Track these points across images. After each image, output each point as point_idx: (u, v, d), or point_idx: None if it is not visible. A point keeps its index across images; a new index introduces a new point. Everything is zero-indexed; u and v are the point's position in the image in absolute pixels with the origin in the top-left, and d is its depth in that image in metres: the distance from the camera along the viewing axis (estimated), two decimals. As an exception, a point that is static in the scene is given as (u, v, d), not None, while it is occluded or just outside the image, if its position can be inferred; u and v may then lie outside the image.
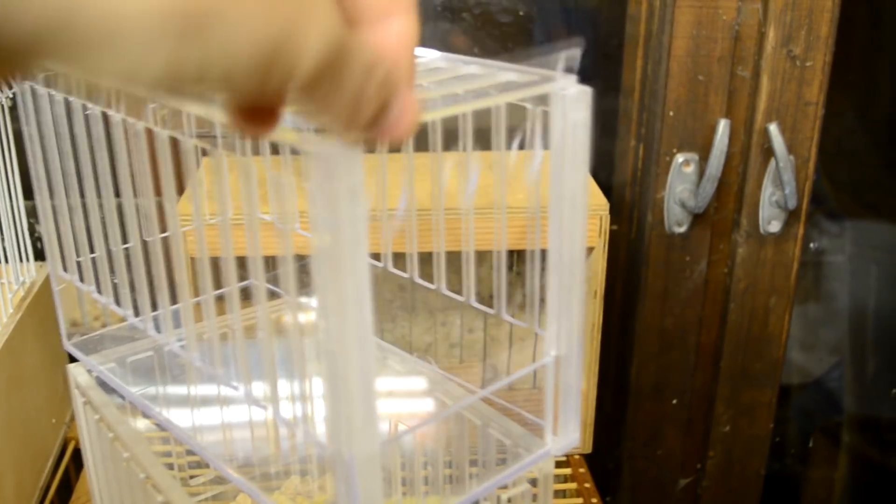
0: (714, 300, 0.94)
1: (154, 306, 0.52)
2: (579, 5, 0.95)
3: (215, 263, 0.43)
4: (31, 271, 0.75)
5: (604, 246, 0.73)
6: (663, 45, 0.84)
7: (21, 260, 0.74)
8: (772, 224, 0.90)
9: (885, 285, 1.08)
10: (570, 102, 0.39)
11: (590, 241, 0.72)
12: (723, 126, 0.84)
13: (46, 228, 0.55)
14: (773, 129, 0.84)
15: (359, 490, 0.37)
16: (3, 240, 0.72)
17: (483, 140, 0.45)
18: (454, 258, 0.58)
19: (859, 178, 1.08)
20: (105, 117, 0.46)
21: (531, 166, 0.41)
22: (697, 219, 0.90)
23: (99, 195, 0.49)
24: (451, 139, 0.47)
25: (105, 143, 0.47)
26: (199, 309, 0.50)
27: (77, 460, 0.81)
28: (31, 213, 0.78)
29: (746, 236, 0.90)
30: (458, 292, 0.52)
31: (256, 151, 0.49)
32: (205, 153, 0.41)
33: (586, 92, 0.40)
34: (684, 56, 0.84)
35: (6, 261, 0.73)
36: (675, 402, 0.97)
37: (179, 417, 0.53)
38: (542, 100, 0.40)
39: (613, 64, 0.93)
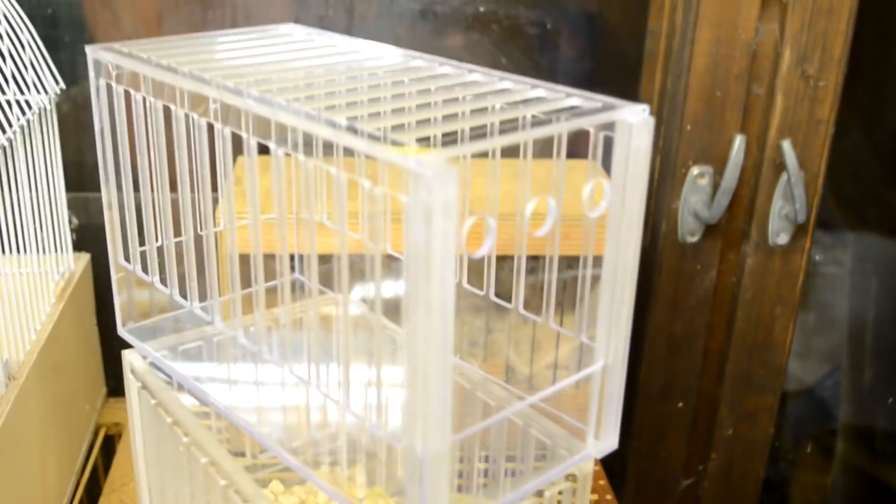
0: (722, 308, 0.97)
1: (205, 297, 0.54)
2: (601, 20, 0.98)
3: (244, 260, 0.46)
4: (69, 262, 0.78)
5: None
6: (684, 61, 0.87)
7: (60, 251, 0.77)
8: (780, 236, 0.93)
9: (883, 296, 1.12)
10: (636, 130, 0.42)
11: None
12: (739, 141, 0.87)
13: (110, 219, 0.57)
14: (787, 145, 0.87)
15: (429, 484, 0.39)
16: (42, 231, 0.74)
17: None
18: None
19: (860, 192, 1.12)
20: (187, 118, 0.48)
21: (589, 187, 0.44)
22: (709, 229, 0.93)
23: (173, 189, 0.52)
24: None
25: (185, 140, 0.50)
26: (248, 301, 0.52)
27: (106, 447, 0.83)
28: (70, 205, 0.81)
29: (755, 247, 0.94)
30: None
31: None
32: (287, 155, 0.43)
33: (650, 121, 0.43)
34: (703, 73, 0.87)
35: (44, 251, 0.75)
36: (680, 404, 1.01)
37: (233, 404, 0.55)
38: (606, 125, 0.43)
39: (631, 77, 0.97)
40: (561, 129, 0.41)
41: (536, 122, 0.42)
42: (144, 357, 0.59)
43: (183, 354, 0.60)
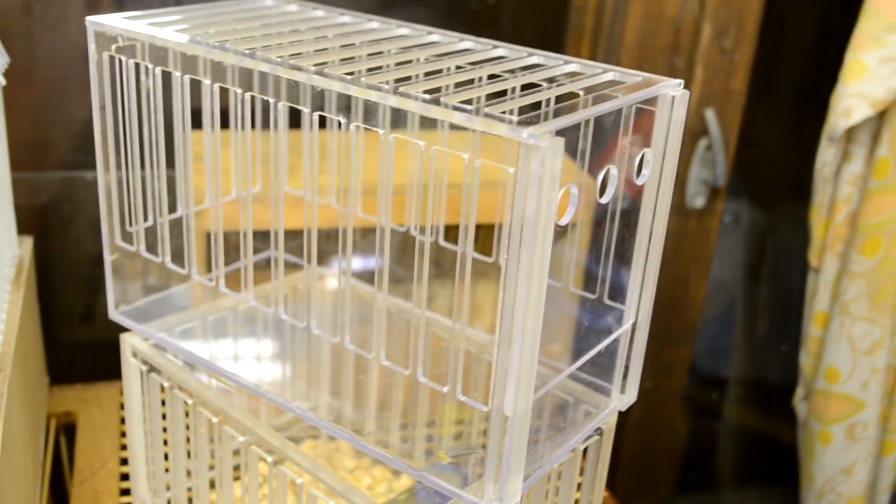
0: (644, 268, 1.03)
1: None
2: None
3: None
4: (14, 246, 0.74)
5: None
6: (615, 35, 0.92)
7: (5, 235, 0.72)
8: (697, 200, 1.00)
9: (778, 252, 1.22)
10: (677, 102, 0.45)
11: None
12: (668, 112, 0.93)
13: (107, 199, 0.55)
14: (710, 114, 0.93)
15: (515, 442, 0.41)
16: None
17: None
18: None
19: (759, 155, 1.21)
20: (224, 91, 0.47)
21: (638, 157, 0.47)
22: (635, 195, 0.99)
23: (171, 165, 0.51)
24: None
25: (211, 114, 0.49)
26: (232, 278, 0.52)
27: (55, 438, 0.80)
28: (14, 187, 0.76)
29: (675, 211, 1.00)
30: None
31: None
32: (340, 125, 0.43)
33: (686, 94, 0.46)
34: (633, 47, 0.92)
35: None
36: (608, 361, 1.06)
37: (262, 380, 0.55)
38: (648, 100, 0.46)
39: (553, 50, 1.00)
40: (617, 106, 0.44)
41: (598, 98, 0.45)
42: (146, 339, 0.58)
43: (182, 335, 0.59)
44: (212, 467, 0.56)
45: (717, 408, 1.29)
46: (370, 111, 0.46)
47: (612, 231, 0.51)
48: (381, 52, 0.48)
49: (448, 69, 0.47)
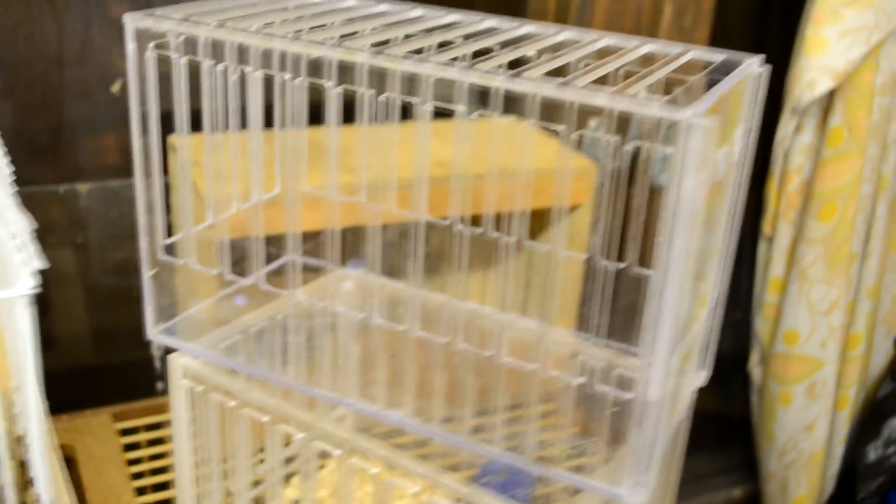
0: (613, 248, 1.05)
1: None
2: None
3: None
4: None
5: (592, 202, 0.80)
6: (584, 19, 0.92)
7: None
8: (662, 177, 1.02)
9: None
10: (762, 80, 0.46)
11: (578, 198, 0.79)
12: (640, 92, 0.95)
13: (148, 210, 0.51)
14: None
15: (659, 426, 0.41)
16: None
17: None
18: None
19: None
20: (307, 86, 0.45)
21: (740, 130, 0.47)
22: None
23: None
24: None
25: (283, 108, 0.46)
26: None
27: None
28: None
29: (641, 188, 1.02)
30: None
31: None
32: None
33: (768, 69, 0.47)
34: (602, 29, 0.93)
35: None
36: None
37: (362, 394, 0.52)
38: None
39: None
40: (733, 81, 0.44)
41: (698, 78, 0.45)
42: (196, 358, 0.54)
43: (229, 350, 0.56)
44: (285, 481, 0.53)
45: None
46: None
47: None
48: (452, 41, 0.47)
49: (501, 65, 0.45)
